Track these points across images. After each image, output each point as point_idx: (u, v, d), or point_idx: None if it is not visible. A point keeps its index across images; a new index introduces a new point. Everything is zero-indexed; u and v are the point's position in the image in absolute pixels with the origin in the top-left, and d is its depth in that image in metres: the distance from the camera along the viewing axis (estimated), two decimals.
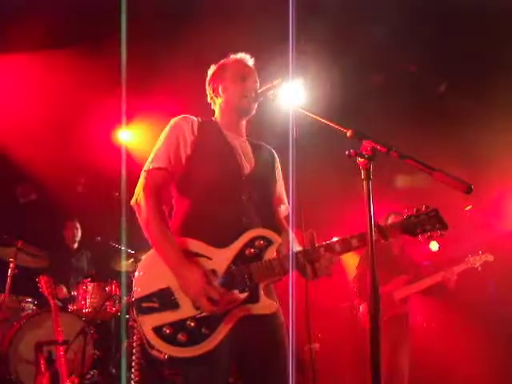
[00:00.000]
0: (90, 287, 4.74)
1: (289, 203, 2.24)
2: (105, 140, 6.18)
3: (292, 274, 1.93)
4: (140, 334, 1.85)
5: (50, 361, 3.82)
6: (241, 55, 2.24)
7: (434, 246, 5.22)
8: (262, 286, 1.89)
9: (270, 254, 1.92)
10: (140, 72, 4.99)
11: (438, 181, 1.57)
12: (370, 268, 1.56)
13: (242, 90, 2.15)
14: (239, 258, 1.91)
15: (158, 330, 1.83)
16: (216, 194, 2.00)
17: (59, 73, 5.10)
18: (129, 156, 5.59)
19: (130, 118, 5.65)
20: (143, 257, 2.00)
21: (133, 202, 2.01)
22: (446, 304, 4.71)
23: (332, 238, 2.00)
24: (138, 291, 1.89)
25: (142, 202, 1.96)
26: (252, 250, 1.92)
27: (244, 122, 2.23)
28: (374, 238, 1.56)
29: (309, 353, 3.16)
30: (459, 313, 4.88)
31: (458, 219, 5.27)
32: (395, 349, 3.87)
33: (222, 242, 1.93)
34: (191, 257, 1.89)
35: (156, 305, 1.85)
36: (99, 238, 5.66)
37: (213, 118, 2.23)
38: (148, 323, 1.84)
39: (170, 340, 1.82)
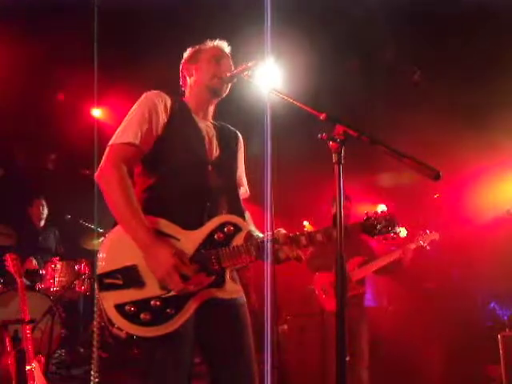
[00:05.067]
0: (58, 266, 4.71)
1: (265, 190, 2.25)
2: (77, 116, 6.04)
3: (267, 261, 1.96)
4: (101, 311, 1.83)
5: (17, 340, 3.77)
6: (218, 42, 2.22)
7: (402, 232, 5.32)
8: (228, 270, 1.92)
9: (238, 240, 1.94)
10: (115, 47, 4.88)
11: (407, 167, 1.59)
12: (337, 253, 1.58)
13: (215, 70, 2.13)
14: (208, 241, 1.92)
15: (120, 308, 1.81)
16: (182, 177, 1.98)
17: (30, 45, 4.93)
18: (101, 133, 5.48)
19: (103, 93, 5.51)
20: (107, 232, 1.97)
21: (96, 175, 1.92)
22: (406, 285, 4.86)
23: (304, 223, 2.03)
24: (102, 266, 1.86)
25: (108, 176, 1.89)
26: (221, 235, 1.94)
27: (213, 106, 2.21)
28: (341, 224, 1.58)
29: (276, 334, 3.21)
30: (419, 296, 5.05)
31: (427, 207, 5.43)
32: (353, 330, 3.96)
33: (188, 225, 1.92)
34: (162, 236, 1.87)
35: (120, 282, 1.83)
36: (69, 216, 5.57)
37: (184, 99, 2.20)
38: (110, 300, 1.82)
39: (133, 318, 1.80)
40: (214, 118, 2.25)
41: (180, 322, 1.84)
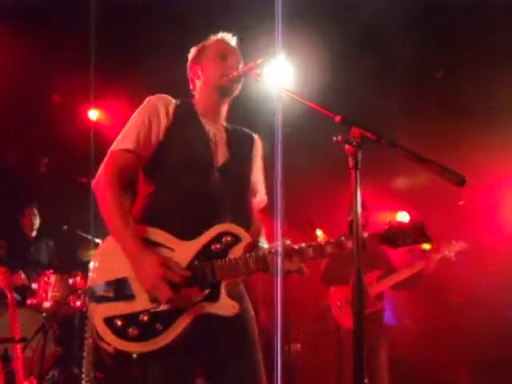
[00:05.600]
0: (52, 279, 4.70)
1: (275, 195, 2.25)
2: (73, 118, 6.10)
3: (279, 276, 1.94)
4: (91, 324, 1.88)
5: (6, 360, 3.79)
6: (222, 35, 2.23)
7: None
8: (223, 284, 1.91)
9: (237, 252, 1.93)
10: (112, 47, 4.94)
11: (430, 172, 1.60)
12: (354, 266, 1.58)
13: (222, 68, 2.13)
14: (203, 252, 1.92)
15: (108, 321, 1.84)
16: (184, 184, 2.00)
17: (24, 45, 5.01)
18: (98, 136, 5.52)
19: (100, 95, 5.57)
20: (101, 242, 2.02)
21: (93, 183, 2.01)
22: (430, 300, 4.82)
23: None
24: (93, 277, 1.91)
25: (102, 185, 1.96)
26: (218, 246, 1.93)
27: (225, 106, 2.23)
28: (359, 234, 1.58)
29: (288, 353, 3.20)
30: (445, 311, 5.00)
31: (450, 214, 5.39)
32: (372, 348, 3.94)
33: (186, 234, 1.94)
34: (152, 246, 1.90)
35: (110, 294, 1.87)
36: (66, 227, 5.58)
37: (192, 101, 2.22)
38: (100, 312, 1.85)
39: (120, 333, 1.82)
40: (227, 119, 2.26)
41: (170, 337, 1.83)
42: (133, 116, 2.09)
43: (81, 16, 4.50)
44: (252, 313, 2.08)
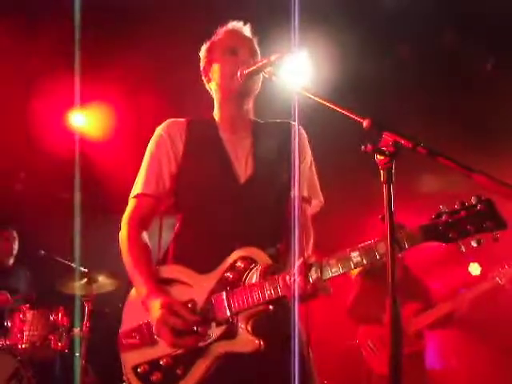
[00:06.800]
0: (28, 315, 4.71)
1: (292, 214, 2.25)
2: (53, 123, 6.15)
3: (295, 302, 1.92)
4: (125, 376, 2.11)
5: None
6: (231, 24, 2.29)
7: (475, 269, 5.14)
8: (241, 317, 1.95)
9: (252, 276, 1.98)
10: (96, 46, 5.02)
11: (479, 184, 1.58)
12: (389, 293, 1.57)
13: (232, 66, 2.17)
14: (220, 284, 2.00)
15: (135, 369, 2.05)
16: (205, 212, 2.17)
17: None
18: (84, 145, 5.57)
19: (86, 96, 5.64)
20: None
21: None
22: (482, 337, 4.76)
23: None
24: (123, 325, 2.15)
25: (122, 233, 2.22)
26: (233, 274, 2.00)
27: (248, 105, 2.29)
28: (394, 254, 1.57)
29: None
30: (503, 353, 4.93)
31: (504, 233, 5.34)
32: None
33: (207, 267, 2.05)
34: (167, 286, 2.07)
35: (137, 341, 2.08)
36: (43, 252, 5.60)
37: (214, 114, 2.32)
38: (129, 361, 2.07)
39: (145, 379, 2.02)
40: (255, 115, 2.34)
41: (190, 382, 1.94)
42: (145, 154, 2.29)
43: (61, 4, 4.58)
44: (305, 353, 2.09)
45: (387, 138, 1.63)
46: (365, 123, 1.70)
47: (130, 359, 2.08)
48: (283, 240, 2.18)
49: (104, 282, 5.08)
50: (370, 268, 4.65)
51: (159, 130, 2.29)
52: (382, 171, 1.62)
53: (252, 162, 2.21)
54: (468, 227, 1.69)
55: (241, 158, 2.22)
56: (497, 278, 4.04)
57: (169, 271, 2.14)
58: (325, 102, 1.86)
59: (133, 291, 2.18)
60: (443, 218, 1.73)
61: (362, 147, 1.63)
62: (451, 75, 5.36)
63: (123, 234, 2.22)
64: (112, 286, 5.11)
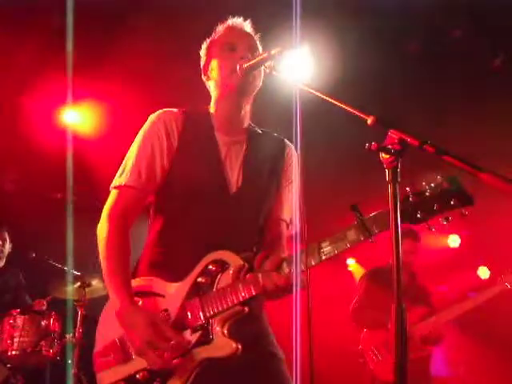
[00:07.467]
0: (19, 321, 4.69)
1: (294, 217, 2.29)
2: (45, 121, 6.15)
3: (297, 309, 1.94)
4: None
5: None
6: (231, 21, 2.29)
7: (484, 273, 5.19)
8: (216, 321, 1.94)
9: (225, 279, 1.97)
10: (89, 42, 5.02)
11: (487, 183, 1.58)
12: (394, 298, 1.56)
13: (231, 62, 2.16)
14: (194, 290, 2.00)
15: None
16: (189, 217, 2.12)
17: None
18: (76, 144, 5.56)
19: (78, 92, 5.63)
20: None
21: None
22: (492, 343, 4.75)
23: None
24: (96, 345, 2.13)
25: (101, 227, 2.12)
26: (205, 278, 2.00)
27: (247, 107, 2.27)
28: (399, 265, 1.55)
29: None
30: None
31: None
32: None
33: (181, 276, 2.03)
34: (143, 298, 2.05)
35: (111, 359, 2.05)
36: (34, 254, 5.60)
37: (209, 108, 2.29)
38: (105, 381, 2.05)
39: None
40: (252, 119, 2.32)
41: None
42: (134, 141, 2.19)
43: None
44: (281, 355, 2.13)
45: (393, 135, 1.61)
46: (369, 120, 1.68)
47: (106, 378, 2.06)
48: (259, 252, 2.16)
49: (98, 286, 5.06)
50: (375, 272, 4.65)
51: (153, 118, 2.22)
52: (387, 170, 1.60)
53: (244, 173, 2.20)
54: (435, 206, 1.70)
55: (234, 168, 2.20)
56: (506, 284, 4.04)
57: (140, 284, 2.11)
58: (327, 98, 1.85)
59: (107, 304, 2.17)
60: (410, 199, 1.74)
61: (367, 145, 1.61)
62: (457, 71, 5.36)
63: (103, 229, 2.11)
64: (106, 290, 5.07)
